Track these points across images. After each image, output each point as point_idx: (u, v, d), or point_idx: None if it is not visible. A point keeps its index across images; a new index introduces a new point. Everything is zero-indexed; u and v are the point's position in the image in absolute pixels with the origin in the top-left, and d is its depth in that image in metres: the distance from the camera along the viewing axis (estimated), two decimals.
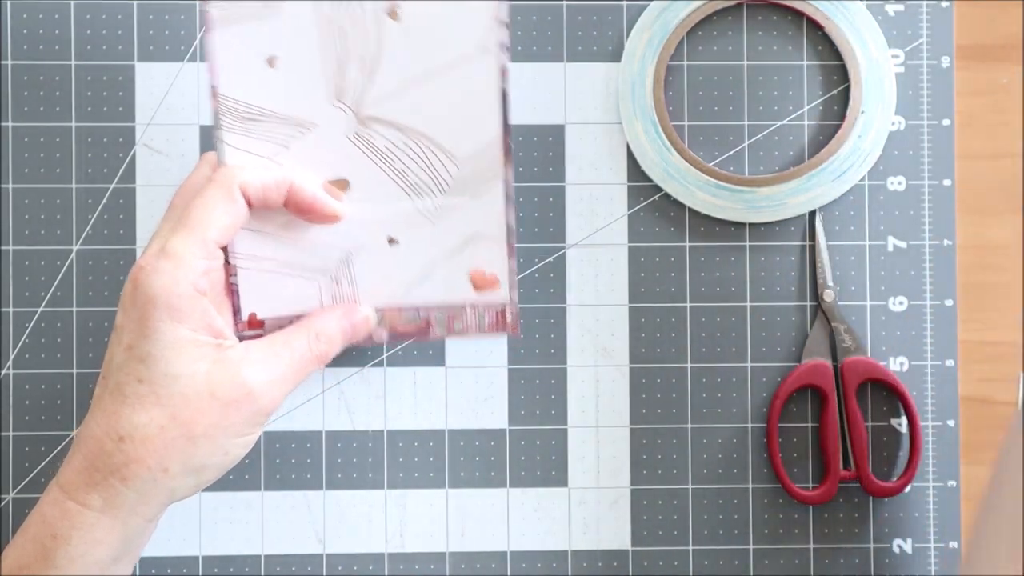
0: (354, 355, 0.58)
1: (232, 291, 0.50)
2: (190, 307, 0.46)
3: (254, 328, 0.51)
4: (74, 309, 0.58)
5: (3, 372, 0.58)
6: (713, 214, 0.59)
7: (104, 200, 0.58)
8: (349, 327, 0.50)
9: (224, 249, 0.48)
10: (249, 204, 0.47)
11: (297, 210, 0.49)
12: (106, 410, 0.46)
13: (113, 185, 0.58)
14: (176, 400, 0.46)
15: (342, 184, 0.50)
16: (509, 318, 0.52)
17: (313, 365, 0.49)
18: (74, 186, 0.58)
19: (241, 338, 0.50)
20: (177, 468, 0.46)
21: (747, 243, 0.59)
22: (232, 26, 0.47)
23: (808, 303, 0.59)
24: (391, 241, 0.51)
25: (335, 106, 0.49)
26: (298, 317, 0.51)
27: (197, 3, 0.59)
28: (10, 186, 0.58)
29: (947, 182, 0.60)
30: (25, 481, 0.57)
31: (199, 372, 0.46)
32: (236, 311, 0.50)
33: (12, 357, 0.58)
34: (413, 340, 0.54)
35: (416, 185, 0.50)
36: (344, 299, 0.52)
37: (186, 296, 0.46)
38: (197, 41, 0.59)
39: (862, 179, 0.59)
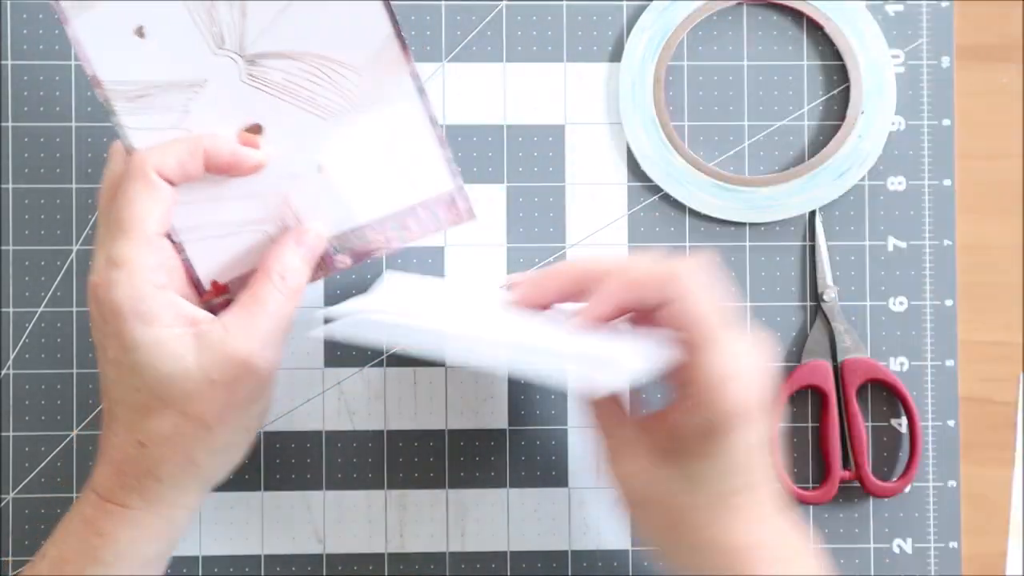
0: (354, 354, 0.58)
1: (187, 267, 0.50)
2: (157, 307, 0.46)
3: (221, 294, 0.50)
4: (74, 309, 0.58)
5: (3, 372, 0.58)
6: (713, 214, 0.59)
7: None
8: (306, 251, 0.49)
9: (167, 235, 0.48)
10: (171, 183, 0.47)
11: (219, 171, 0.48)
12: (119, 419, 0.47)
13: None
14: (178, 398, 0.46)
15: (255, 129, 0.49)
16: (460, 204, 0.52)
17: (291, 305, 0.48)
18: (74, 186, 0.58)
19: (210, 308, 0.49)
20: (203, 456, 0.47)
21: (747, 243, 0.59)
22: (87, 12, 0.46)
23: (808, 303, 0.59)
24: (320, 169, 0.50)
25: (218, 55, 0.48)
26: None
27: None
28: (10, 186, 0.58)
29: (947, 182, 0.60)
30: (25, 481, 0.57)
31: (190, 365, 0.45)
32: (197, 284, 0.50)
33: (12, 357, 0.58)
34: (377, 255, 0.52)
35: (326, 107, 0.49)
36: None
37: (148, 298, 0.45)
38: None
39: (862, 179, 0.59)
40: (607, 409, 0.49)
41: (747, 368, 0.44)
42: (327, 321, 0.48)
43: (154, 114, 0.48)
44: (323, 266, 0.52)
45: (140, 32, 0.47)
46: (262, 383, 0.47)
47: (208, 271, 0.50)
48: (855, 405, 0.58)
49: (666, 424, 0.46)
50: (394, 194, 0.51)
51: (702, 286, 0.44)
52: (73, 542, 0.47)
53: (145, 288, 0.45)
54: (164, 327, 0.45)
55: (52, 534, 0.48)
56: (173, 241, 0.49)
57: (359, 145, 0.50)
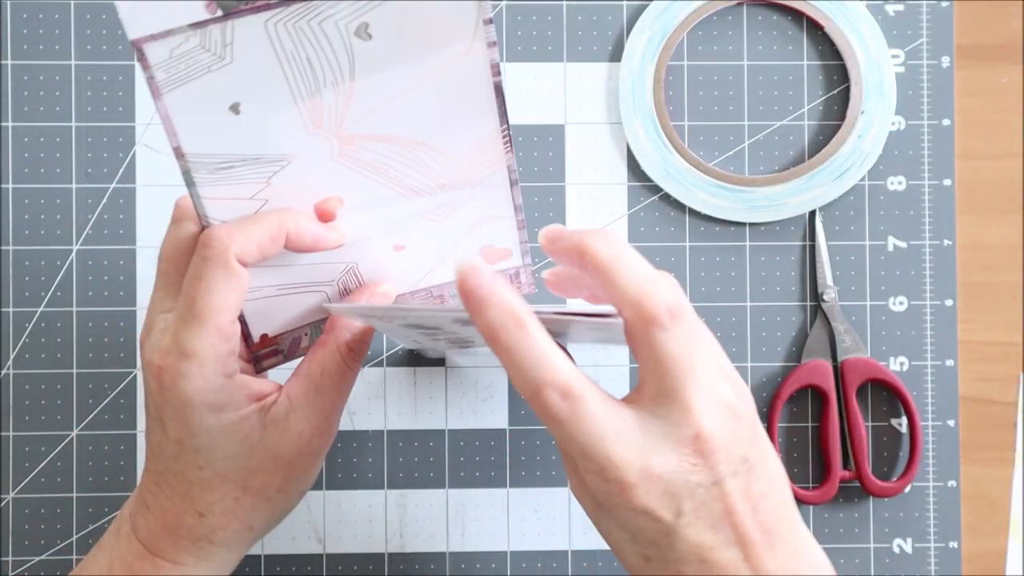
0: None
1: (241, 321, 0.48)
2: (228, 396, 0.45)
3: (267, 346, 0.49)
4: (74, 309, 0.58)
5: (3, 372, 0.58)
6: (713, 214, 0.59)
7: (104, 200, 0.58)
8: (354, 358, 0.48)
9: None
10: (247, 264, 0.44)
11: (298, 251, 0.46)
12: (175, 489, 0.46)
13: (113, 185, 0.58)
14: (243, 474, 0.46)
15: (336, 200, 0.48)
16: (523, 278, 0.51)
17: (353, 372, 0.48)
18: (74, 186, 0.58)
19: (257, 358, 0.49)
20: (260, 524, 0.48)
21: (747, 243, 0.59)
22: (183, 86, 0.43)
23: (808, 303, 0.59)
24: (397, 248, 0.50)
25: (313, 134, 0.45)
26: (309, 325, 0.50)
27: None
28: (10, 186, 0.58)
29: (947, 182, 0.60)
30: (25, 481, 0.57)
31: (255, 445, 0.45)
32: (246, 336, 0.48)
33: (12, 357, 0.58)
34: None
35: (414, 187, 0.48)
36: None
37: (220, 389, 0.44)
38: None
39: (862, 179, 0.59)
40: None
41: (726, 407, 0.40)
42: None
43: (234, 185, 0.45)
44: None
45: (236, 109, 0.44)
46: (321, 452, 0.48)
47: (259, 325, 0.49)
48: (855, 405, 0.58)
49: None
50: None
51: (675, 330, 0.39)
52: None
53: (217, 380, 0.44)
54: (233, 412, 0.45)
55: (84, 562, 0.48)
56: None
57: (440, 226, 0.49)
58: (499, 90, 0.46)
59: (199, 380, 0.43)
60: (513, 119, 0.59)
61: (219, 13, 0.42)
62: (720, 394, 0.40)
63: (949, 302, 0.59)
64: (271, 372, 0.50)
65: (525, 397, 0.38)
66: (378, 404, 0.58)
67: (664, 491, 0.39)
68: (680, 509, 0.39)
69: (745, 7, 0.60)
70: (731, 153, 0.59)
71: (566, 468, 0.43)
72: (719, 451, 0.39)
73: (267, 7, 0.42)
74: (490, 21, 0.44)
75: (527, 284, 0.52)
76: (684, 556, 0.40)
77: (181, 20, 0.42)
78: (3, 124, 0.58)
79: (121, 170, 0.58)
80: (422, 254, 0.50)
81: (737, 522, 0.40)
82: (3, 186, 0.58)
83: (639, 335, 0.38)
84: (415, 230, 0.49)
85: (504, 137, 0.48)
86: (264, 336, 0.49)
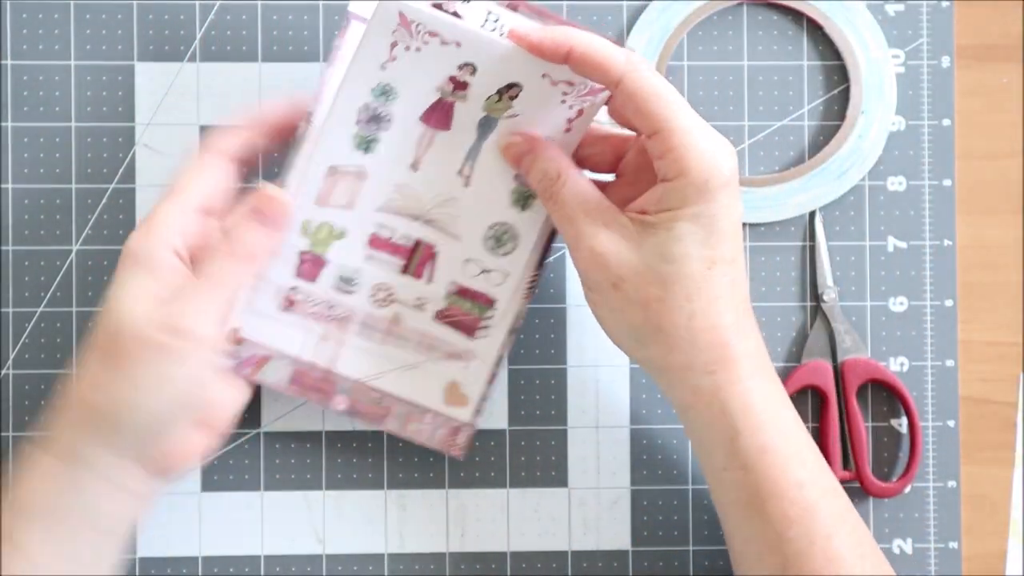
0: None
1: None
2: (158, 265, 0.48)
3: (232, 343, 0.52)
4: (74, 309, 0.58)
5: (3, 372, 0.58)
6: None
7: (104, 200, 0.58)
8: (261, 217, 0.49)
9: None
10: (240, 161, 0.51)
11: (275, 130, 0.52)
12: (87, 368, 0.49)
13: (113, 185, 0.58)
14: (109, 340, 0.47)
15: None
16: (461, 438, 0.54)
17: (236, 270, 0.49)
18: (74, 186, 0.58)
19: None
20: (104, 404, 0.47)
21: (747, 243, 0.59)
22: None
23: (808, 303, 0.59)
24: (397, 318, 0.53)
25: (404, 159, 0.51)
26: (275, 354, 0.52)
27: (197, 3, 0.59)
28: (10, 186, 0.58)
29: (947, 182, 0.60)
30: None
31: (138, 314, 0.47)
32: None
33: (12, 357, 0.58)
34: (366, 420, 0.54)
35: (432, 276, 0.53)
36: (323, 356, 0.53)
37: (155, 255, 0.48)
38: (197, 41, 0.59)
39: (862, 179, 0.59)
40: (598, 159, 0.52)
41: (719, 141, 0.47)
42: None
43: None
44: (322, 394, 0.53)
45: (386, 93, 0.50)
46: (183, 348, 0.47)
47: (238, 317, 0.52)
48: (855, 405, 0.58)
49: (645, 195, 0.48)
50: (425, 389, 0.54)
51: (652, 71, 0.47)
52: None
53: (159, 247, 0.48)
54: (151, 281, 0.48)
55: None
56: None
57: (437, 331, 0.53)
58: (552, 236, 0.52)
59: (142, 239, 0.48)
60: None
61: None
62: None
63: (949, 302, 0.59)
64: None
65: (622, 67, 0.46)
66: None
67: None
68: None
69: (745, 7, 0.60)
70: None
71: (584, 228, 0.48)
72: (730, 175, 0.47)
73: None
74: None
75: (460, 446, 0.55)
76: (739, 257, 0.48)
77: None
78: (3, 124, 0.58)
79: (121, 170, 0.58)
80: (407, 346, 0.53)
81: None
82: (3, 186, 0.58)
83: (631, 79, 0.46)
84: (416, 319, 0.53)
85: (531, 282, 0.53)
86: (234, 331, 0.52)
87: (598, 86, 0.48)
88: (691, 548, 0.58)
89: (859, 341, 0.59)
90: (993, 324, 0.60)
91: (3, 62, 0.58)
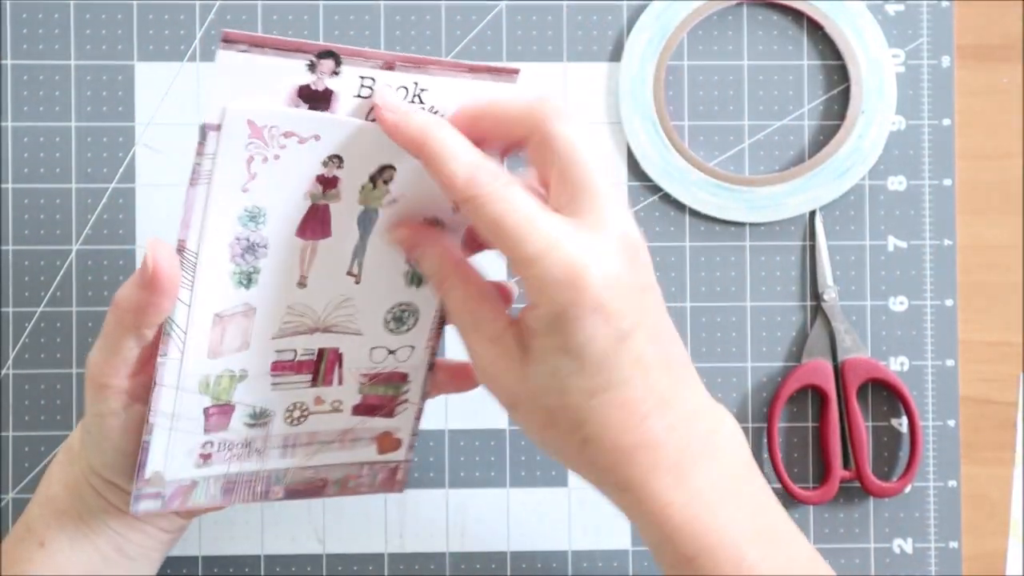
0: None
1: (143, 448, 0.46)
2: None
3: (154, 485, 0.47)
4: (74, 309, 0.58)
5: (3, 372, 0.58)
6: (713, 214, 0.59)
7: (104, 200, 0.58)
8: (139, 269, 0.44)
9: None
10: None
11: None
12: None
13: (113, 185, 0.58)
14: None
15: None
16: (399, 475, 0.52)
17: (110, 316, 0.44)
18: (74, 186, 0.58)
19: (138, 497, 0.47)
20: (84, 429, 0.46)
21: (747, 243, 0.59)
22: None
23: (808, 303, 0.59)
24: (314, 432, 0.50)
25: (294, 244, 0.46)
26: (200, 480, 0.49)
27: (197, 3, 0.59)
28: (10, 186, 0.58)
29: (947, 182, 0.60)
30: (25, 481, 0.57)
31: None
32: (141, 467, 0.46)
33: (12, 357, 0.58)
34: (305, 497, 0.52)
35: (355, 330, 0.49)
36: (250, 467, 0.50)
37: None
38: (197, 41, 0.59)
39: (862, 179, 0.59)
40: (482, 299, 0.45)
41: (596, 241, 0.40)
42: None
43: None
44: (257, 494, 0.50)
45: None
46: (89, 392, 0.45)
47: (156, 461, 0.47)
48: (855, 405, 0.58)
49: (522, 318, 0.43)
50: (357, 448, 0.51)
51: (574, 123, 0.42)
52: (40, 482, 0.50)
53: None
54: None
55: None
56: (148, 417, 0.47)
57: (355, 434, 0.51)
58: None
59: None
60: None
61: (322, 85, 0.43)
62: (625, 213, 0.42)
63: (949, 302, 0.59)
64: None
65: (460, 192, 0.41)
66: None
67: (616, 286, 0.40)
68: (627, 310, 0.41)
69: (745, 7, 0.60)
70: (731, 153, 0.59)
71: (479, 352, 0.43)
72: (644, 254, 0.42)
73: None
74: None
75: (400, 483, 0.52)
76: (628, 377, 0.41)
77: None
78: (3, 124, 0.58)
79: (121, 170, 0.58)
80: (335, 421, 0.50)
81: (667, 341, 0.43)
82: (3, 186, 0.58)
83: (545, 130, 0.41)
84: (332, 399, 0.50)
85: (435, 324, 0.49)
86: (156, 474, 0.48)
87: (502, 78, 0.45)
88: None
89: (859, 341, 0.59)
90: (993, 324, 0.60)
91: (3, 62, 0.58)
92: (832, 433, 0.58)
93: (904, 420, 0.59)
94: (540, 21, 0.59)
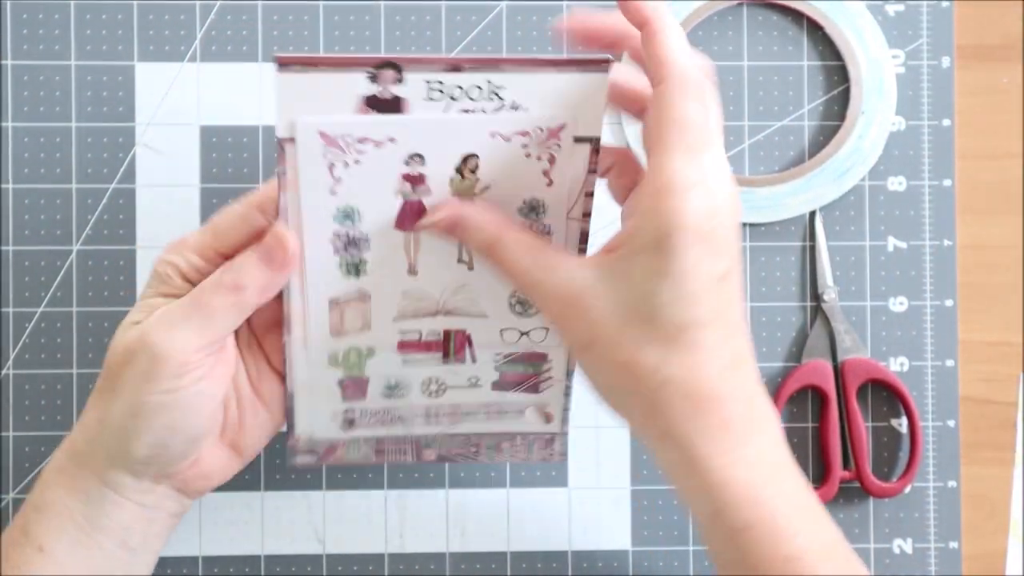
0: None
1: (288, 412, 0.51)
2: (168, 283, 0.47)
3: (306, 443, 0.52)
4: (74, 309, 0.58)
5: (3, 372, 0.58)
6: None
7: (104, 200, 0.58)
8: (263, 254, 0.46)
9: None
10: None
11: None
12: None
13: (113, 185, 0.58)
14: (110, 352, 0.47)
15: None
16: (557, 446, 0.54)
17: (220, 297, 0.46)
18: (74, 186, 0.58)
19: (294, 451, 0.52)
20: (104, 423, 0.47)
21: (747, 243, 0.59)
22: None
23: (808, 303, 0.59)
24: (456, 404, 0.52)
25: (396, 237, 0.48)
26: (351, 440, 0.52)
27: (197, 3, 0.59)
28: (10, 186, 0.58)
29: (947, 182, 0.60)
30: (25, 481, 0.57)
31: (132, 328, 0.47)
32: (291, 427, 0.51)
33: (12, 357, 0.58)
34: (458, 462, 0.54)
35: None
36: (399, 431, 0.53)
37: (171, 276, 0.47)
38: (197, 41, 0.59)
39: (862, 179, 0.59)
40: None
41: (712, 181, 0.41)
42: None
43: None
44: (408, 456, 0.53)
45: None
46: (160, 371, 0.45)
47: (302, 424, 0.52)
48: (855, 405, 0.58)
49: (619, 241, 0.43)
50: (509, 419, 0.53)
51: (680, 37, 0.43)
52: (34, 487, 0.49)
53: (172, 271, 0.47)
54: (161, 299, 0.47)
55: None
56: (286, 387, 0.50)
57: (500, 408, 0.52)
58: (584, 236, 0.48)
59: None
60: None
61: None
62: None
63: (949, 302, 0.59)
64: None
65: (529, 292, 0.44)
66: None
67: (722, 225, 0.41)
68: (727, 251, 0.42)
69: (745, 7, 0.60)
70: (731, 153, 0.59)
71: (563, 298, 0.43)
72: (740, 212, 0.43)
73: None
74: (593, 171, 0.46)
75: (559, 453, 0.54)
76: (715, 320, 0.42)
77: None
78: (3, 124, 0.58)
79: (121, 170, 0.58)
80: (476, 396, 0.52)
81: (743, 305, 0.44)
82: (3, 186, 0.58)
83: (670, 95, 0.41)
84: (481, 373, 0.52)
85: None
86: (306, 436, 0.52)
87: (555, 126, 0.45)
88: (691, 548, 0.58)
89: (859, 341, 0.59)
90: (993, 324, 0.60)
91: (3, 62, 0.58)
92: (832, 433, 0.58)
93: (904, 420, 0.59)
94: (540, 21, 0.59)
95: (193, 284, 0.47)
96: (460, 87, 0.44)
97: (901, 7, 0.60)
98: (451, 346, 0.50)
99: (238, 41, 0.59)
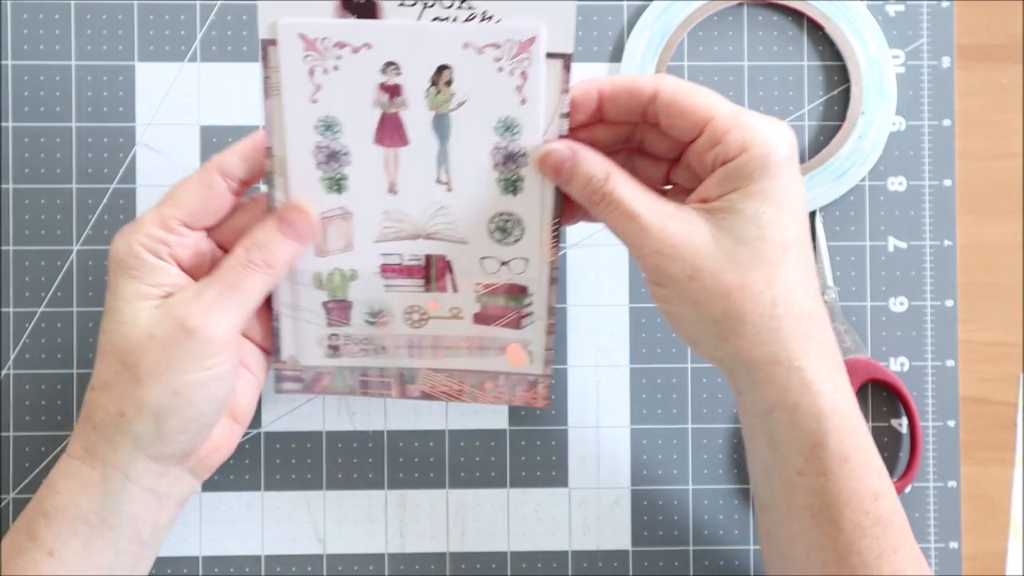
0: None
1: (273, 334, 0.52)
2: (142, 265, 0.47)
3: (292, 369, 0.53)
4: (74, 309, 0.58)
5: (3, 372, 0.58)
6: None
7: (104, 200, 0.58)
8: (287, 227, 0.48)
9: (217, 244, 0.50)
10: (240, 182, 0.49)
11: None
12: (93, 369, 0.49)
13: (113, 185, 0.58)
14: (123, 345, 0.47)
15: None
16: (540, 390, 0.54)
17: (254, 277, 0.48)
18: (74, 186, 0.58)
19: (280, 377, 0.52)
20: (131, 411, 0.47)
21: None
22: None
23: None
24: (438, 336, 0.53)
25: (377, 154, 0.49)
26: (337, 369, 0.53)
27: (197, 3, 0.59)
28: (10, 186, 0.58)
29: (947, 182, 0.60)
30: (25, 481, 0.57)
31: (141, 317, 0.47)
32: (277, 351, 0.52)
33: (12, 357, 0.58)
34: (441, 399, 0.55)
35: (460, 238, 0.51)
36: (383, 362, 0.53)
37: (138, 256, 0.47)
38: (197, 41, 0.59)
39: (862, 179, 0.59)
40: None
41: (773, 120, 0.46)
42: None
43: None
44: (393, 389, 0.54)
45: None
46: (199, 349, 0.46)
47: (289, 346, 0.52)
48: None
49: (703, 185, 0.46)
50: (488, 355, 0.53)
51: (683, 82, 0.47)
52: (32, 500, 0.49)
53: (137, 247, 0.47)
54: (144, 284, 0.47)
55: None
56: (271, 306, 0.51)
57: (481, 342, 0.53)
58: (558, 191, 0.49)
59: (124, 241, 0.48)
60: None
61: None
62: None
63: (949, 302, 0.59)
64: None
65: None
66: (378, 404, 0.58)
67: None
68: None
69: (745, 7, 0.60)
70: None
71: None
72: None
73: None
74: (566, 115, 0.47)
75: (543, 397, 0.54)
76: (809, 240, 0.46)
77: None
78: (3, 124, 0.58)
79: (121, 170, 0.58)
80: (454, 328, 0.53)
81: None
82: (3, 186, 0.58)
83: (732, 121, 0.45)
84: (461, 302, 0.52)
85: (553, 234, 0.50)
86: (292, 357, 0.53)
87: (526, 38, 0.46)
88: (691, 548, 0.58)
89: (859, 341, 0.59)
90: (993, 324, 0.60)
91: (3, 62, 0.58)
92: None
93: (904, 420, 0.59)
94: None
95: (160, 259, 0.48)
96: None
97: (901, 7, 0.60)
98: (431, 273, 0.51)
99: (238, 41, 0.59)
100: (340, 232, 0.50)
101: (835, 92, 0.60)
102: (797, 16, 0.60)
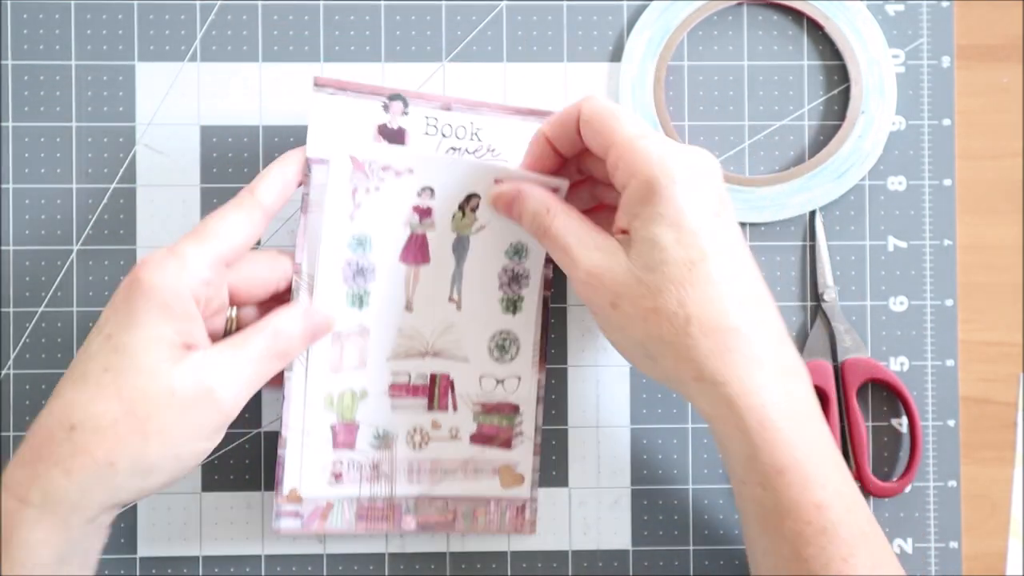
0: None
1: (279, 464, 0.53)
2: (182, 310, 0.46)
3: (292, 503, 0.53)
4: (74, 309, 0.58)
5: (3, 372, 0.58)
6: None
7: (104, 200, 0.58)
8: (310, 326, 0.51)
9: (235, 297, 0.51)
10: (270, 205, 0.50)
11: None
12: (63, 398, 0.45)
13: (113, 185, 0.58)
14: (136, 394, 0.44)
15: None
16: (528, 515, 0.56)
17: (274, 364, 0.49)
18: (74, 186, 0.58)
19: (279, 513, 0.53)
20: (125, 464, 0.44)
21: (747, 243, 0.59)
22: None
23: (808, 303, 0.59)
24: (436, 459, 0.55)
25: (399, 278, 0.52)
26: (336, 501, 0.54)
27: (197, 3, 0.59)
28: (10, 186, 0.58)
29: (947, 182, 0.60)
30: None
31: (163, 370, 0.45)
32: (279, 482, 0.53)
33: (12, 357, 0.58)
34: (436, 531, 0.56)
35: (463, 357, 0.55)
36: (381, 491, 0.55)
37: (183, 298, 0.46)
38: (197, 41, 0.59)
39: (862, 179, 0.59)
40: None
41: (673, 146, 0.46)
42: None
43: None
44: (390, 522, 0.55)
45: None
46: (216, 420, 0.46)
47: (293, 478, 0.53)
48: (855, 405, 0.58)
49: (617, 213, 0.48)
50: (480, 480, 0.55)
51: (609, 105, 0.48)
52: None
53: (184, 287, 0.46)
54: (173, 331, 0.45)
55: None
56: (280, 433, 0.53)
57: (476, 464, 0.55)
58: (546, 303, 0.55)
59: (172, 277, 0.46)
60: None
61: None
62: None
63: (949, 302, 0.59)
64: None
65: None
66: None
67: (700, 175, 0.47)
68: (716, 195, 0.47)
69: (745, 7, 0.60)
70: (731, 153, 0.59)
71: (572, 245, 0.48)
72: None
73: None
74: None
75: (529, 523, 0.56)
76: (722, 250, 0.46)
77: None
78: (3, 124, 0.58)
79: (121, 170, 0.58)
80: (455, 450, 0.55)
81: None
82: (3, 186, 0.58)
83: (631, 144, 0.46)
84: (460, 424, 0.55)
85: (541, 354, 0.55)
86: (293, 491, 0.54)
87: (554, 182, 0.50)
88: (691, 548, 0.58)
89: (859, 341, 0.59)
90: (993, 324, 0.60)
91: (3, 62, 0.58)
92: (832, 433, 0.58)
93: (904, 420, 0.59)
94: (540, 21, 0.59)
95: (199, 306, 0.47)
96: (450, 125, 0.52)
97: (901, 7, 0.60)
98: (435, 392, 0.54)
99: (238, 41, 0.59)
100: (356, 349, 0.52)
101: (835, 92, 0.60)
102: (797, 16, 0.60)
